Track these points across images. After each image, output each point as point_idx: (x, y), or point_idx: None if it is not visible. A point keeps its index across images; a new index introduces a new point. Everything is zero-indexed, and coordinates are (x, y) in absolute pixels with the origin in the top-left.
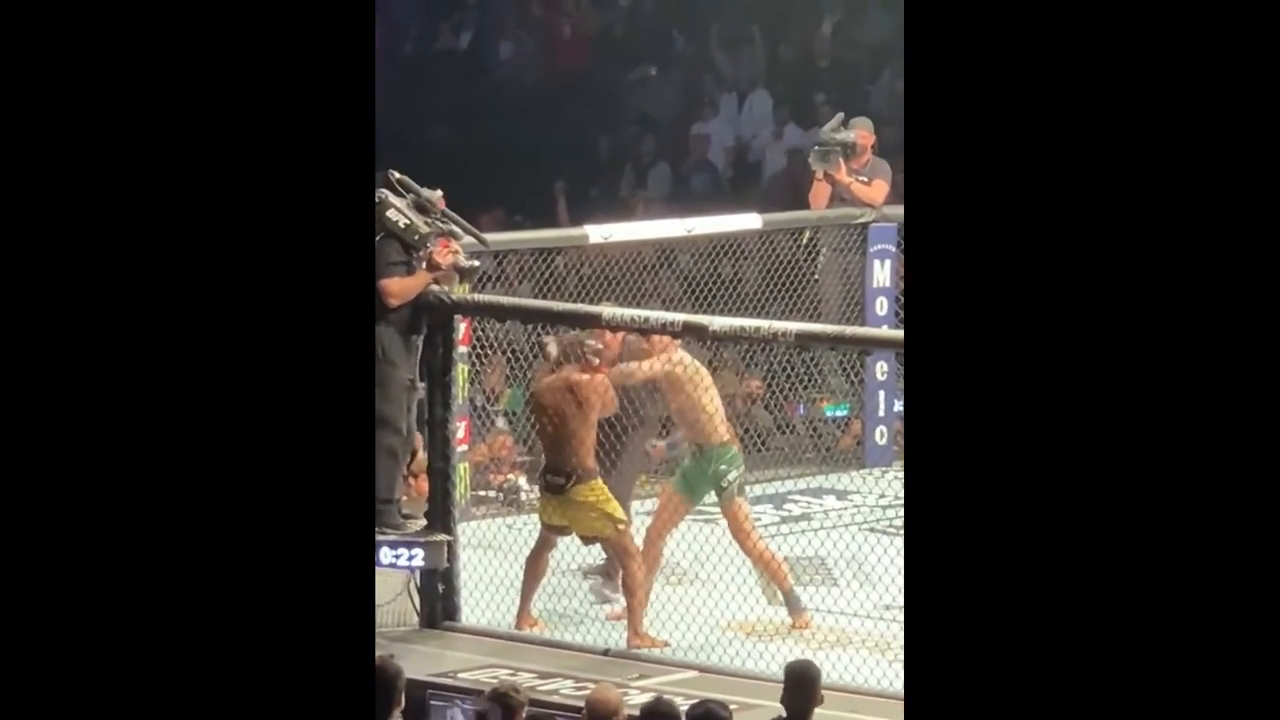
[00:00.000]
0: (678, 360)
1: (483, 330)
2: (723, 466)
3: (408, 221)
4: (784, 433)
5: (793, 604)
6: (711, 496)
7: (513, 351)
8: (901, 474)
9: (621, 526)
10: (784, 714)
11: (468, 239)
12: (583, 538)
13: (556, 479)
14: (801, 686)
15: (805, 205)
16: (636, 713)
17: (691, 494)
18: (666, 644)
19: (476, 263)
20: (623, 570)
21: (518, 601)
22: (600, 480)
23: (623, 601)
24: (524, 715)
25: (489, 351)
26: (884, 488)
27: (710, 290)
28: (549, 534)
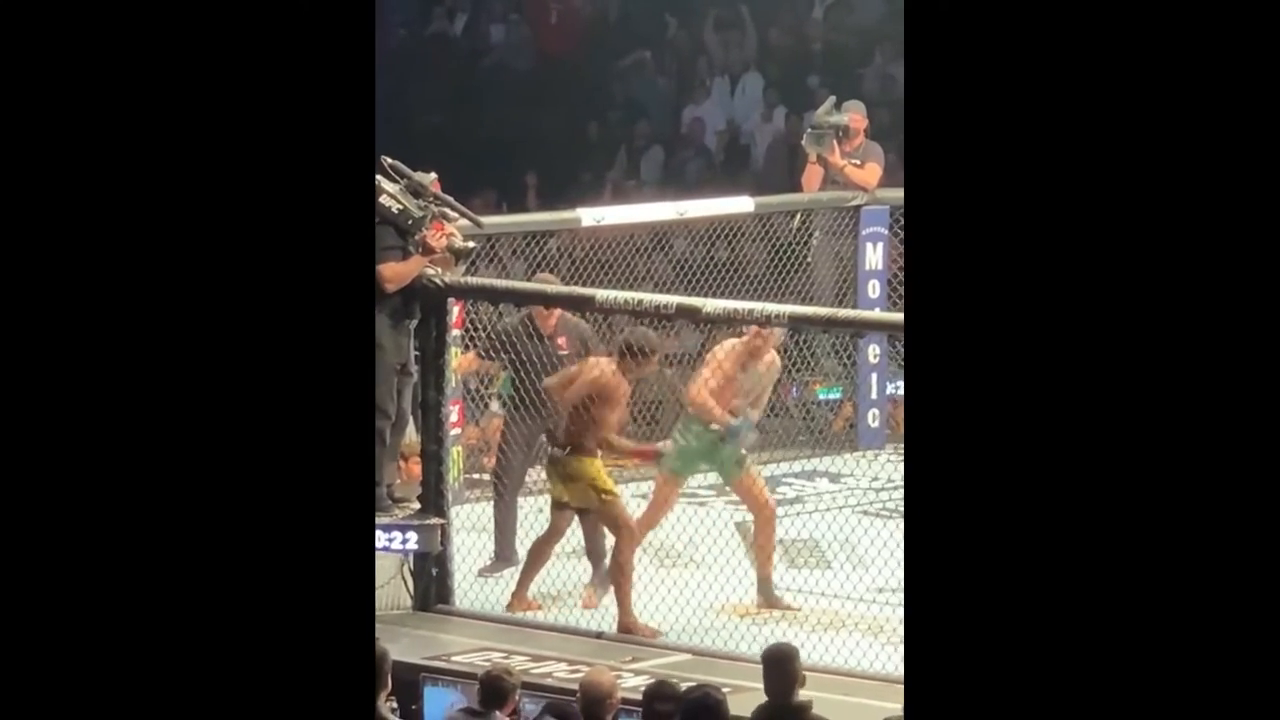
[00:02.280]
0: (773, 360)
1: (476, 314)
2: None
3: (401, 206)
4: (777, 416)
5: (766, 590)
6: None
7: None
8: (894, 457)
9: (607, 498)
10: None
11: (463, 221)
12: (578, 511)
13: (558, 450)
14: (775, 668)
15: (798, 188)
16: (632, 695)
17: (688, 470)
18: (659, 633)
19: (473, 244)
20: (617, 548)
21: (514, 583)
22: (597, 460)
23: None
24: (517, 698)
25: (482, 334)
26: (877, 470)
27: (703, 273)
28: (559, 518)
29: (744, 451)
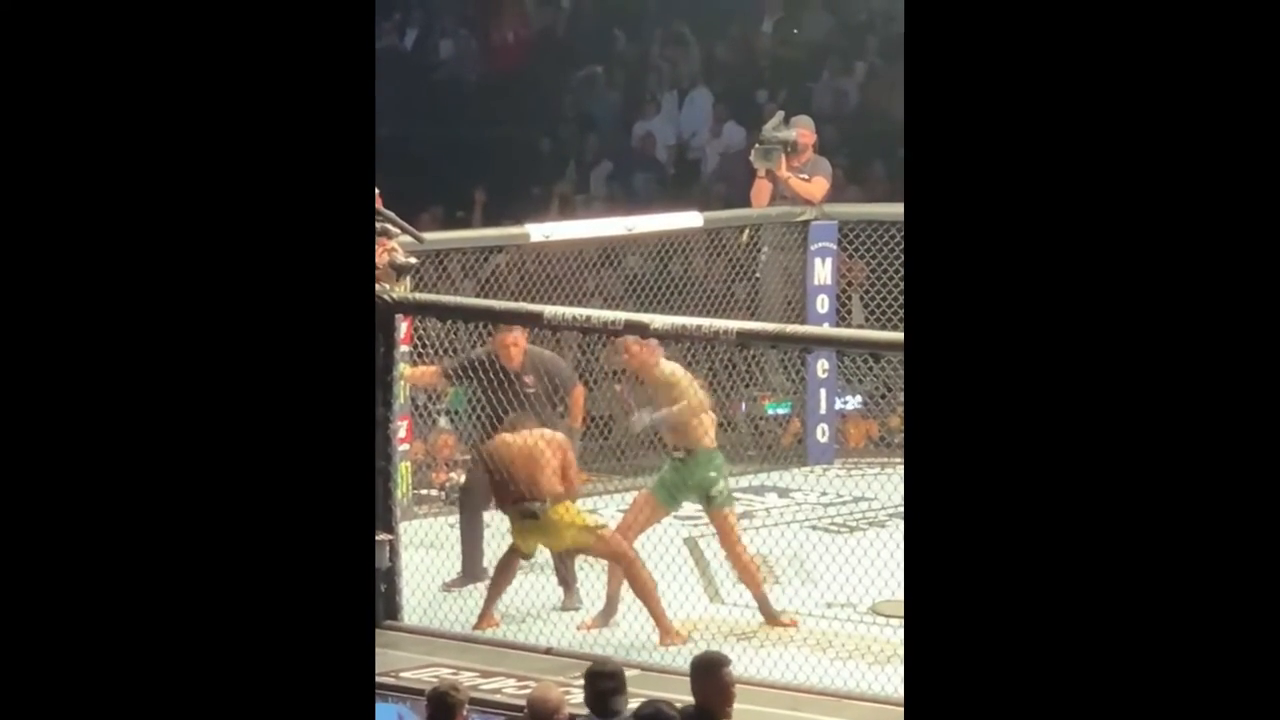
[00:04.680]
0: (671, 369)
1: (424, 329)
2: (711, 474)
3: None
4: (726, 430)
5: (766, 609)
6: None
7: (455, 351)
8: (842, 472)
9: (602, 532)
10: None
11: (405, 237)
12: (566, 553)
13: (531, 505)
14: (698, 675)
15: (747, 203)
16: (580, 711)
17: (671, 501)
18: (690, 636)
19: (413, 260)
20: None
21: (481, 601)
22: (570, 503)
23: (585, 607)
24: (464, 714)
25: (431, 350)
26: (825, 485)
27: (652, 288)
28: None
29: (718, 489)
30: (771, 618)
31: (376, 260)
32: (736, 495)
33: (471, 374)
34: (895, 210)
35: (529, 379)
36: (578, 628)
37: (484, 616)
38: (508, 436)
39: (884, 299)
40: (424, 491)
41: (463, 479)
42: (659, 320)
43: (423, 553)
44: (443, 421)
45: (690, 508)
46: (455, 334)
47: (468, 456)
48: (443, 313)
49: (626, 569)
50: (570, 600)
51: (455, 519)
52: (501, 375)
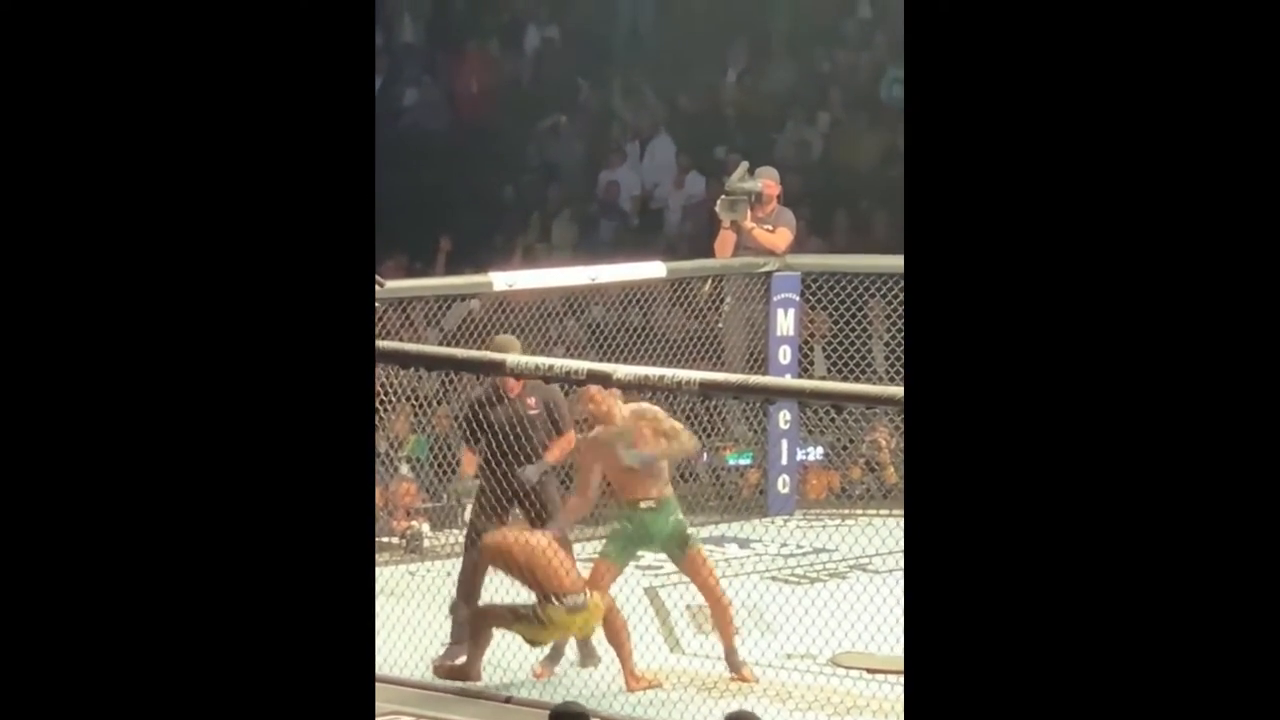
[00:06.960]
0: (643, 406)
1: (387, 377)
2: (680, 516)
3: None
4: (687, 481)
5: (732, 659)
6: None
7: (417, 398)
8: (802, 523)
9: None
10: None
11: None
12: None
13: (575, 599)
14: None
15: (710, 253)
16: None
17: (627, 558)
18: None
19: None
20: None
21: (440, 653)
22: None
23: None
24: None
25: (394, 398)
26: (785, 536)
27: (616, 338)
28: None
29: (688, 533)
30: (735, 669)
31: None
32: None
33: (479, 413)
34: (858, 261)
35: (531, 400)
36: (532, 675)
37: (471, 674)
38: (511, 537)
39: (846, 350)
40: (384, 539)
41: (425, 527)
42: (622, 370)
43: (382, 600)
44: (404, 469)
45: (650, 558)
46: (419, 381)
47: (428, 505)
48: (405, 361)
49: (610, 612)
50: (589, 658)
51: (415, 566)
52: (506, 402)
